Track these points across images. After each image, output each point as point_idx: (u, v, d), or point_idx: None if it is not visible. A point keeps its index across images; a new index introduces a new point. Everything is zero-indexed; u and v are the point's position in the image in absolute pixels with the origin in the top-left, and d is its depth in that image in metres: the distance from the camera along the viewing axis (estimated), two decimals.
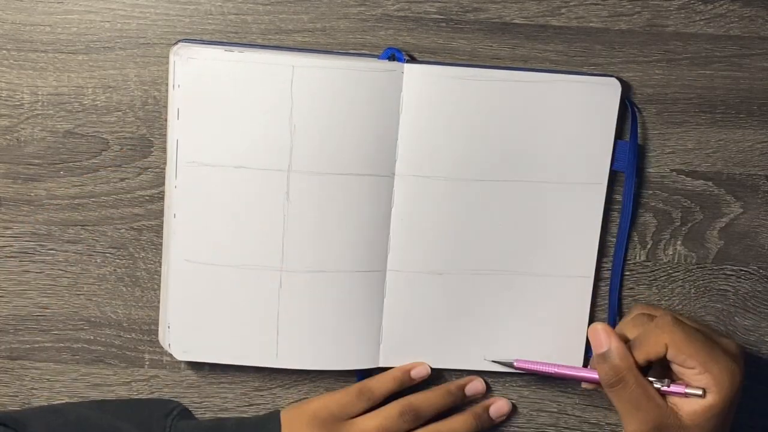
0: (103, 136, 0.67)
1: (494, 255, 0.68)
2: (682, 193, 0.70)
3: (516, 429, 0.72)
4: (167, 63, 0.65)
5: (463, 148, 0.66)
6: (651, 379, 0.64)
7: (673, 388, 0.63)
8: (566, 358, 0.70)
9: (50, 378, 0.70)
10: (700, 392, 0.62)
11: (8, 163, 0.67)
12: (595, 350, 0.65)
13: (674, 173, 0.69)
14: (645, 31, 0.67)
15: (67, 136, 0.67)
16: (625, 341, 0.64)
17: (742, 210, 0.70)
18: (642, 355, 0.63)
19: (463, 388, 0.70)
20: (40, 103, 0.67)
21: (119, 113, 0.67)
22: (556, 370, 0.68)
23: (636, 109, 0.68)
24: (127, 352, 0.70)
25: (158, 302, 0.68)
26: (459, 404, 0.70)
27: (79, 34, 0.66)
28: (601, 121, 0.67)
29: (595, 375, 0.65)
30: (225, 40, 0.66)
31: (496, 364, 0.70)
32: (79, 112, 0.67)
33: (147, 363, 0.70)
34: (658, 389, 0.63)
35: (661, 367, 0.65)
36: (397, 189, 0.67)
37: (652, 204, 0.70)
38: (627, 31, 0.67)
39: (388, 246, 0.68)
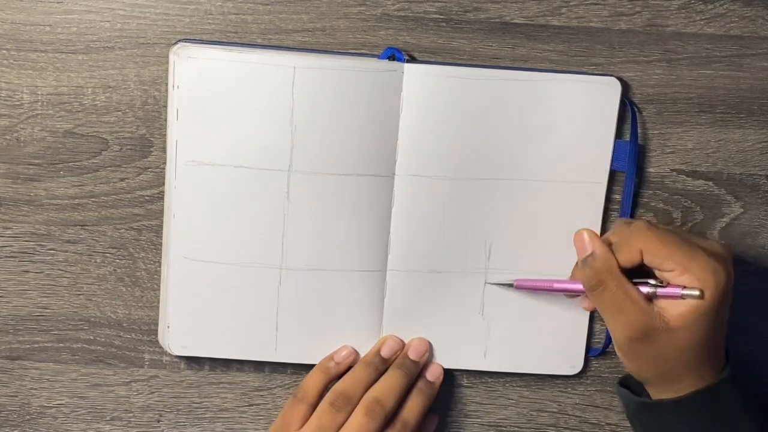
0: (103, 136, 0.67)
1: (494, 255, 0.68)
2: (682, 193, 0.70)
3: (516, 429, 0.72)
4: (167, 63, 0.65)
5: (463, 148, 0.66)
6: (646, 281, 0.62)
7: (669, 290, 0.61)
8: (567, 356, 0.70)
9: (50, 378, 0.70)
10: (697, 292, 0.60)
11: (8, 163, 0.67)
12: (579, 255, 0.64)
13: (674, 173, 0.69)
14: (645, 31, 0.67)
15: (67, 136, 0.67)
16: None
17: (742, 210, 0.70)
18: (622, 261, 0.62)
19: (379, 353, 0.68)
20: (39, 103, 0.67)
21: (119, 113, 0.67)
22: (552, 285, 0.67)
23: (636, 109, 0.68)
24: (127, 352, 0.70)
25: (158, 302, 0.68)
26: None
27: (79, 34, 0.66)
28: (601, 121, 0.67)
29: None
30: (225, 40, 0.66)
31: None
32: (78, 112, 0.67)
33: (147, 363, 0.70)
34: (653, 293, 0.61)
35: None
36: (397, 189, 0.67)
37: (653, 204, 0.70)
38: (627, 31, 0.67)
39: (388, 246, 0.68)
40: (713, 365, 0.63)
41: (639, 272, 0.62)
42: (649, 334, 0.61)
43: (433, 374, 0.69)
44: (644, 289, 0.62)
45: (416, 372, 0.68)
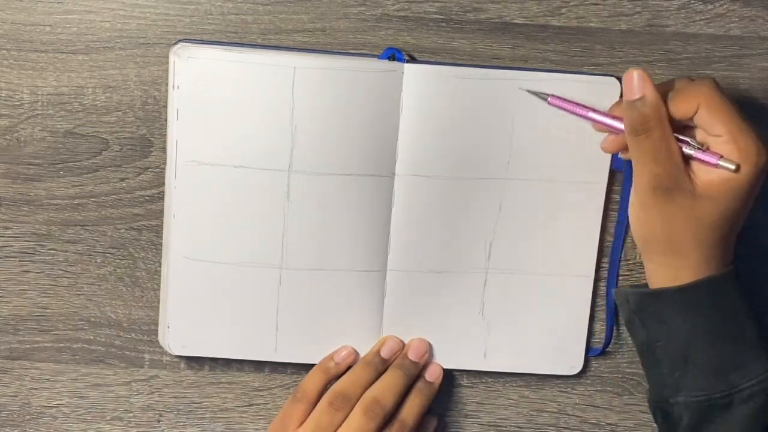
0: (103, 136, 0.67)
1: (494, 255, 0.68)
2: None
3: (516, 429, 0.72)
4: (167, 63, 0.65)
5: (463, 148, 0.66)
6: (685, 139, 0.60)
7: (706, 155, 0.59)
8: (567, 356, 0.70)
9: (50, 378, 0.70)
10: (733, 166, 0.58)
11: (8, 163, 0.67)
12: (626, 96, 0.60)
13: None
14: (645, 31, 0.67)
15: (67, 136, 0.67)
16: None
17: None
18: (674, 110, 0.60)
19: (379, 353, 0.68)
20: (40, 103, 0.67)
21: (119, 113, 0.67)
22: (588, 113, 0.64)
23: None
24: (127, 352, 0.70)
25: (158, 302, 0.68)
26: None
27: (79, 34, 0.66)
28: None
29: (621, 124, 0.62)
30: (225, 40, 0.66)
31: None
32: (79, 112, 0.67)
33: (147, 363, 0.70)
34: (690, 154, 0.60)
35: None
36: (397, 189, 0.67)
37: None
38: (627, 31, 0.67)
39: (389, 246, 0.68)
40: (721, 254, 0.62)
41: (679, 131, 0.61)
42: (673, 191, 0.60)
43: (432, 374, 0.69)
44: (684, 149, 0.60)
45: (416, 372, 0.68)
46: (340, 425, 0.64)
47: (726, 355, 0.62)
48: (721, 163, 0.59)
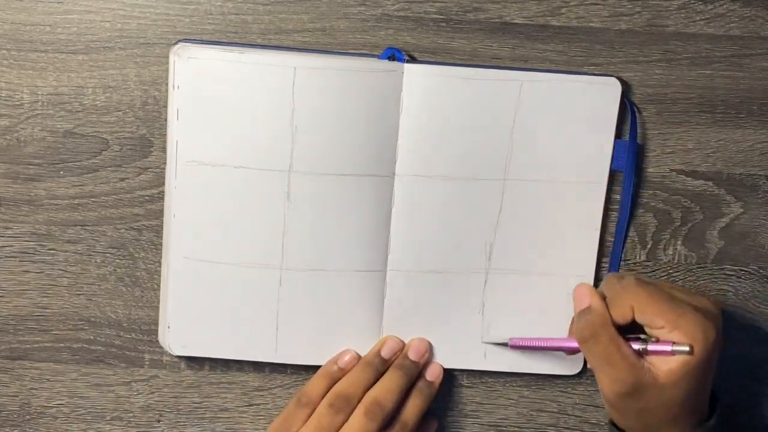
0: (103, 136, 0.67)
1: (494, 255, 0.68)
2: (682, 193, 0.70)
3: (516, 429, 0.72)
4: (167, 63, 0.65)
5: (463, 148, 0.66)
6: (638, 336, 0.62)
7: (659, 346, 0.61)
8: (567, 358, 0.70)
9: (50, 378, 0.70)
10: (687, 348, 0.60)
11: (8, 163, 0.67)
12: (577, 308, 0.65)
13: (674, 173, 0.69)
14: (645, 31, 0.67)
15: (67, 136, 0.67)
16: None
17: (742, 210, 0.70)
18: (614, 317, 0.63)
19: (379, 353, 0.68)
20: (40, 103, 0.67)
21: (119, 113, 0.67)
22: (546, 344, 0.68)
23: (635, 109, 0.68)
24: (127, 352, 0.70)
25: (158, 302, 0.68)
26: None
27: (79, 34, 0.66)
28: (601, 121, 0.67)
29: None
30: (225, 40, 0.66)
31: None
32: (79, 112, 0.67)
33: (147, 363, 0.70)
34: (644, 349, 0.62)
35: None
36: (397, 189, 0.67)
37: (652, 204, 0.70)
38: (627, 31, 0.67)
39: (389, 246, 0.68)
40: (695, 418, 0.63)
41: (632, 328, 0.63)
42: (637, 389, 0.62)
43: (432, 374, 0.69)
44: (635, 345, 0.62)
45: (416, 372, 0.68)
46: (341, 427, 0.64)
47: None
48: (675, 348, 0.61)
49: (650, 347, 0.62)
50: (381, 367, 0.68)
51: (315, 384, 0.67)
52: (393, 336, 0.69)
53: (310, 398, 0.66)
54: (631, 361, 0.62)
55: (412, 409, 0.67)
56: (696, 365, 0.61)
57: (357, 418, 0.64)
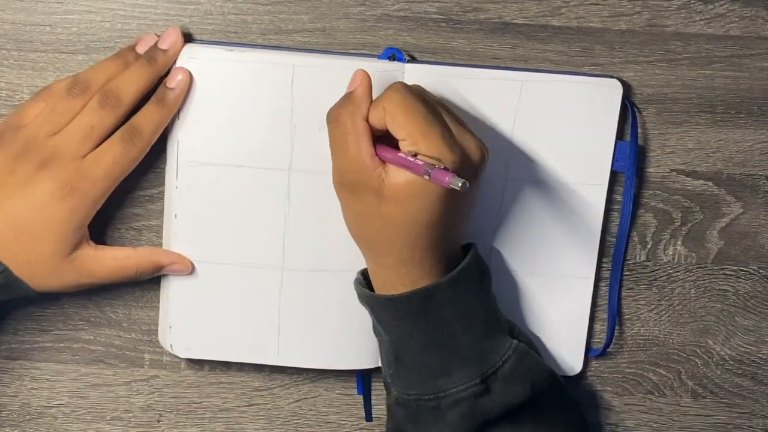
0: None
1: (495, 254, 0.68)
2: (682, 193, 0.70)
3: None
4: None
5: None
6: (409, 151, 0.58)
7: (411, 162, 0.56)
8: (566, 358, 0.70)
9: (50, 378, 0.70)
10: (459, 184, 0.54)
11: None
12: (347, 89, 0.61)
13: (674, 173, 0.69)
14: (645, 31, 0.67)
15: None
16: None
17: (742, 210, 0.70)
18: (370, 117, 0.59)
19: (134, 48, 0.63)
20: None
21: None
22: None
23: (636, 110, 0.68)
24: (127, 352, 0.70)
25: (158, 302, 0.68)
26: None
27: (79, 34, 0.66)
28: (601, 122, 0.67)
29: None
30: (225, 40, 0.66)
31: None
32: None
33: (147, 363, 0.70)
34: (402, 158, 0.57)
35: None
36: None
37: (652, 204, 0.70)
38: (627, 31, 0.67)
39: None
40: (430, 259, 0.60)
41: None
42: (357, 188, 0.59)
43: (172, 81, 0.63)
44: (390, 153, 0.58)
45: (164, 63, 0.63)
46: (78, 115, 0.61)
47: (434, 362, 0.61)
48: (450, 179, 0.54)
49: (401, 157, 0.57)
50: (133, 62, 0.63)
51: (101, 69, 0.62)
52: (152, 33, 0.64)
53: (88, 84, 0.62)
54: (362, 158, 0.58)
55: (146, 114, 0.62)
56: (423, 191, 0.57)
57: (91, 106, 0.61)
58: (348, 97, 0.61)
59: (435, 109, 0.60)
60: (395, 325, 0.62)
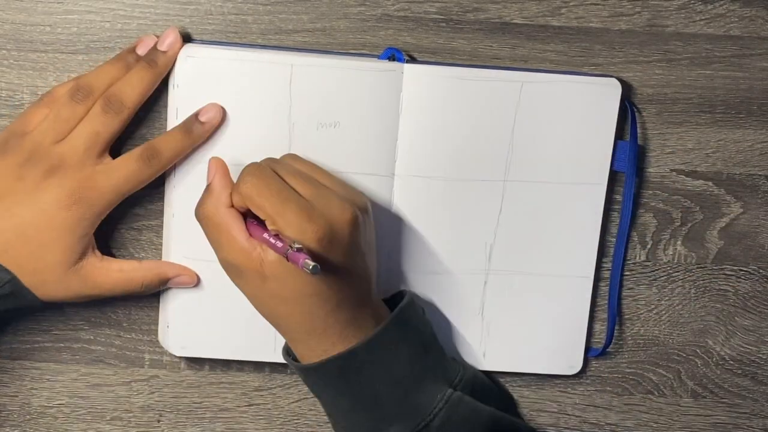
0: None
1: (494, 255, 0.68)
2: (682, 193, 0.70)
3: None
4: None
5: (463, 148, 0.66)
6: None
7: (276, 242, 0.57)
8: (567, 356, 0.70)
9: (50, 378, 0.70)
10: (310, 267, 0.54)
11: None
12: (207, 181, 0.62)
13: (674, 173, 0.69)
14: (645, 31, 0.67)
15: None
16: None
17: (742, 210, 0.70)
18: (234, 199, 0.60)
19: (134, 50, 0.63)
20: None
21: None
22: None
23: (635, 110, 0.68)
24: (127, 352, 0.70)
25: (158, 302, 0.68)
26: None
27: (79, 34, 0.66)
28: (601, 122, 0.67)
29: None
30: (225, 40, 0.66)
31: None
32: None
33: (147, 363, 0.70)
34: (272, 243, 0.58)
35: None
36: (396, 189, 0.67)
37: (652, 204, 0.70)
38: (627, 31, 0.67)
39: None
40: (338, 326, 0.60)
41: None
42: (243, 272, 0.59)
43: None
44: (260, 233, 0.59)
45: (165, 64, 0.63)
46: (82, 121, 0.61)
47: (363, 422, 0.62)
48: (305, 262, 0.54)
49: (265, 238, 0.58)
50: (134, 64, 0.63)
51: (102, 74, 0.63)
52: (152, 34, 0.64)
53: (91, 89, 0.62)
54: (238, 245, 0.59)
55: (169, 139, 0.63)
56: (291, 265, 0.56)
57: (95, 112, 0.61)
58: (207, 191, 0.62)
59: (294, 182, 0.60)
60: (321, 389, 0.63)
